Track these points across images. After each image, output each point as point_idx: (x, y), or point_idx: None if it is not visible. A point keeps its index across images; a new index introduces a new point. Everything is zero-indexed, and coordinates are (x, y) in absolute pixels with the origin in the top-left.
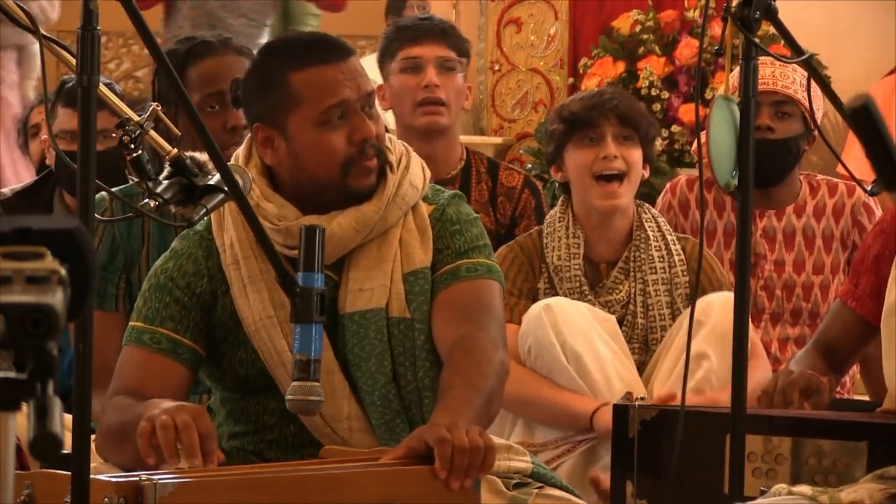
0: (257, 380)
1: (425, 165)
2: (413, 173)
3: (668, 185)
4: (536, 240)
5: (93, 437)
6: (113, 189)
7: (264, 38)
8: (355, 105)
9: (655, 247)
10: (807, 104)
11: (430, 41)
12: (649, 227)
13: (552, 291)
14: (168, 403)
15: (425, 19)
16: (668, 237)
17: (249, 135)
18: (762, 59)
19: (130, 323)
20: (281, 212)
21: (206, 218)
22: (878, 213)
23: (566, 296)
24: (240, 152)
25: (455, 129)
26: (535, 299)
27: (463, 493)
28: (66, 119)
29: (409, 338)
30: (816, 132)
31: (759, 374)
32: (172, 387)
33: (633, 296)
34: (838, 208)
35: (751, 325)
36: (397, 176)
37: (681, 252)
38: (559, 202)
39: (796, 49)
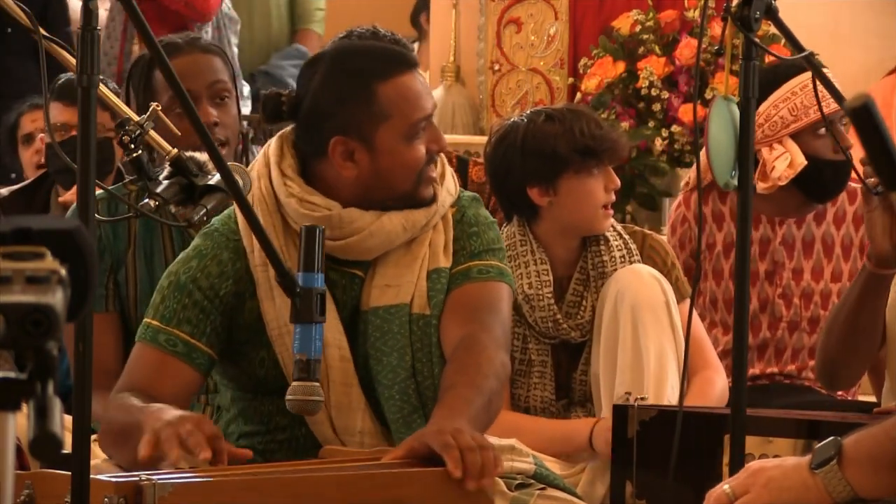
0: (275, 381)
1: (454, 174)
2: (448, 181)
3: (680, 197)
4: None
5: (93, 437)
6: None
7: None
8: (432, 115)
9: (616, 246)
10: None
11: None
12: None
13: (519, 320)
14: (171, 413)
15: None
16: (624, 236)
17: (281, 133)
18: (807, 82)
19: (146, 319)
20: (326, 204)
21: (229, 219)
22: None
23: (538, 324)
24: (270, 151)
25: None
26: None
27: (477, 496)
28: (55, 112)
29: (427, 334)
30: (829, 135)
31: (718, 388)
32: (182, 389)
33: (596, 309)
34: (858, 216)
35: (701, 327)
36: (442, 186)
37: (636, 249)
38: (514, 224)
39: (797, 47)
